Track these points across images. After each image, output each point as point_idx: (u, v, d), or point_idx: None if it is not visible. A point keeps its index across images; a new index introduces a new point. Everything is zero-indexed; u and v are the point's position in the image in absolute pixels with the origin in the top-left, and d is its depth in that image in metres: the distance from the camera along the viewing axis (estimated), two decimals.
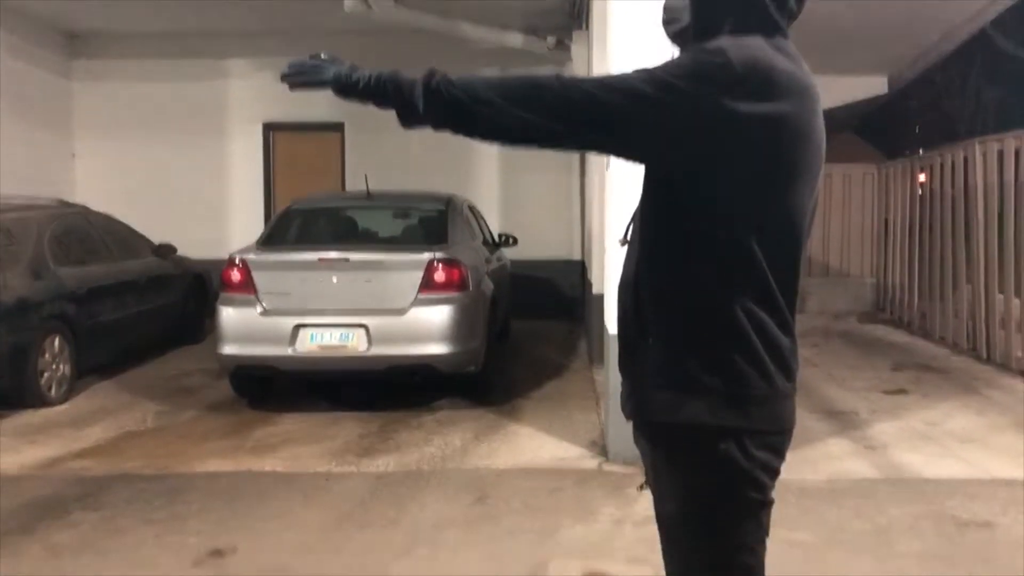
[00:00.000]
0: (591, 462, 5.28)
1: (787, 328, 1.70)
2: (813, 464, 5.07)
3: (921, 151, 10.08)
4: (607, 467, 5.15)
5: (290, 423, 6.24)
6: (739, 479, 1.63)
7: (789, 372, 1.69)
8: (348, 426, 6.13)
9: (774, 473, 1.68)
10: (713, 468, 1.63)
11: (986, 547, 4.00)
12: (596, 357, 7.44)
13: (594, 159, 7.77)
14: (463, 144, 10.96)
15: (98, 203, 8.89)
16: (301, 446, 5.71)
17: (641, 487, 1.89)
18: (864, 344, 9.31)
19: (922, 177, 10.10)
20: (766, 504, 1.67)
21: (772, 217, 1.66)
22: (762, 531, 1.67)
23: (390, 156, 10.35)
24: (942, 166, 9.33)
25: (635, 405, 1.74)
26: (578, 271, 10.46)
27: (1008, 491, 4.66)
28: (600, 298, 6.47)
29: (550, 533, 4.21)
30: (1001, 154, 7.99)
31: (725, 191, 1.62)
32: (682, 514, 1.66)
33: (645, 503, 4.38)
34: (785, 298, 1.70)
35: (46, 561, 3.96)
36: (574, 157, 10.61)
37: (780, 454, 1.69)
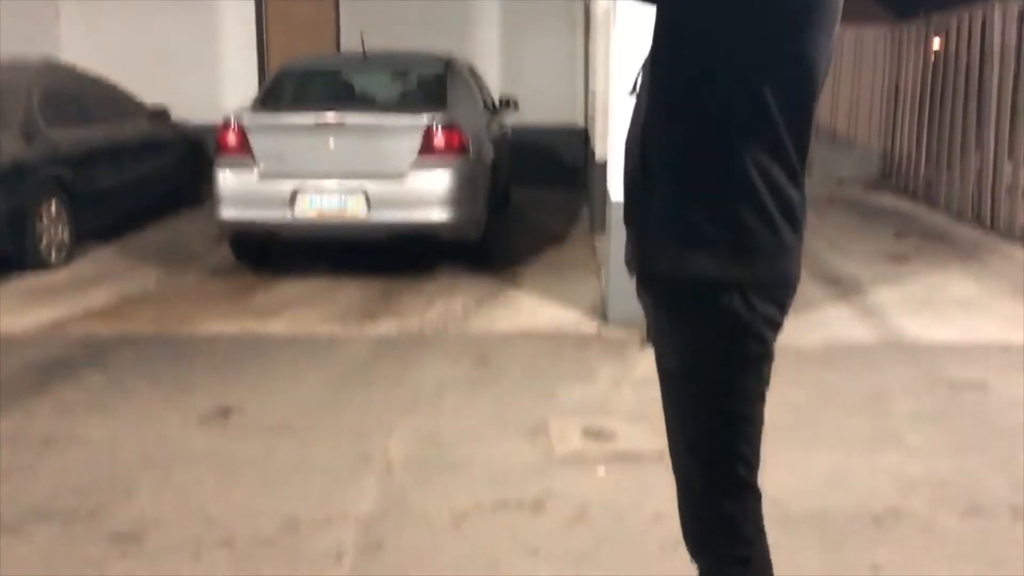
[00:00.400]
0: (591, 326, 5.32)
1: (797, 181, 1.65)
2: (812, 329, 5.11)
3: (935, 15, 9.68)
4: (606, 331, 5.19)
5: (291, 288, 6.26)
6: (741, 332, 1.62)
7: (797, 225, 1.65)
8: (349, 291, 6.15)
9: (777, 327, 1.67)
10: (716, 321, 1.61)
11: (979, 407, 4.07)
12: (597, 225, 7.39)
13: (600, 19, 7.50)
14: (461, 2, 10.58)
15: (85, 65, 8.64)
16: (303, 310, 5.75)
17: (643, 343, 1.89)
18: (868, 212, 9.26)
19: (936, 42, 9.79)
20: (767, 357, 1.67)
21: (786, 62, 1.58)
22: (762, 383, 1.67)
23: (387, 14, 9.99)
24: (959, 29, 9.03)
25: (639, 259, 1.72)
26: (581, 138, 10.27)
27: (1004, 355, 4.72)
28: (603, 165, 6.37)
29: (550, 393, 4.28)
30: (1022, 15, 7.72)
31: (740, 32, 1.55)
32: (684, 367, 1.66)
33: (643, 365, 4.46)
34: (796, 150, 1.64)
35: (57, 419, 4.05)
36: (579, 17, 10.25)
37: (784, 308, 1.67)
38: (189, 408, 4.16)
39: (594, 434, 3.78)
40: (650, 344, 1.78)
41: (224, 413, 4.11)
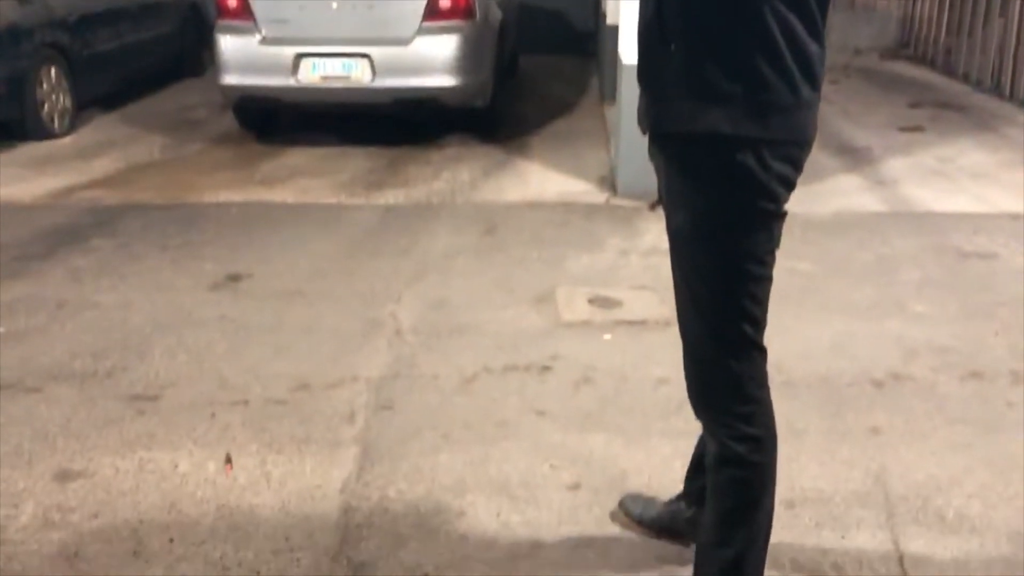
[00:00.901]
0: (599, 197, 5.28)
1: (816, 34, 1.60)
2: (821, 198, 5.06)
3: None
4: (615, 202, 5.16)
5: (298, 157, 6.20)
6: (755, 190, 1.60)
7: (815, 81, 1.60)
8: (356, 161, 6.09)
9: (790, 185, 1.65)
10: (729, 179, 1.59)
11: (986, 276, 4.08)
12: (607, 94, 7.23)
13: None
14: None
15: None
16: (310, 179, 5.71)
17: (653, 206, 1.88)
18: (884, 81, 9.02)
19: None
20: (779, 216, 1.65)
21: None
22: (773, 242, 1.67)
23: None
24: None
25: (653, 117, 1.68)
26: (591, 3, 9.93)
27: (1014, 225, 4.69)
28: (614, 28, 6.18)
29: (557, 262, 4.29)
30: None
31: None
32: (694, 225, 1.65)
33: (651, 236, 4.45)
34: (817, 2, 1.58)
35: (68, 284, 4.08)
36: None
37: (798, 166, 1.65)
38: (198, 274, 4.19)
39: (600, 302, 3.81)
40: (660, 209, 1.77)
41: (234, 279, 4.15)
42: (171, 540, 2.27)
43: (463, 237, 4.67)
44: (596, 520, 2.37)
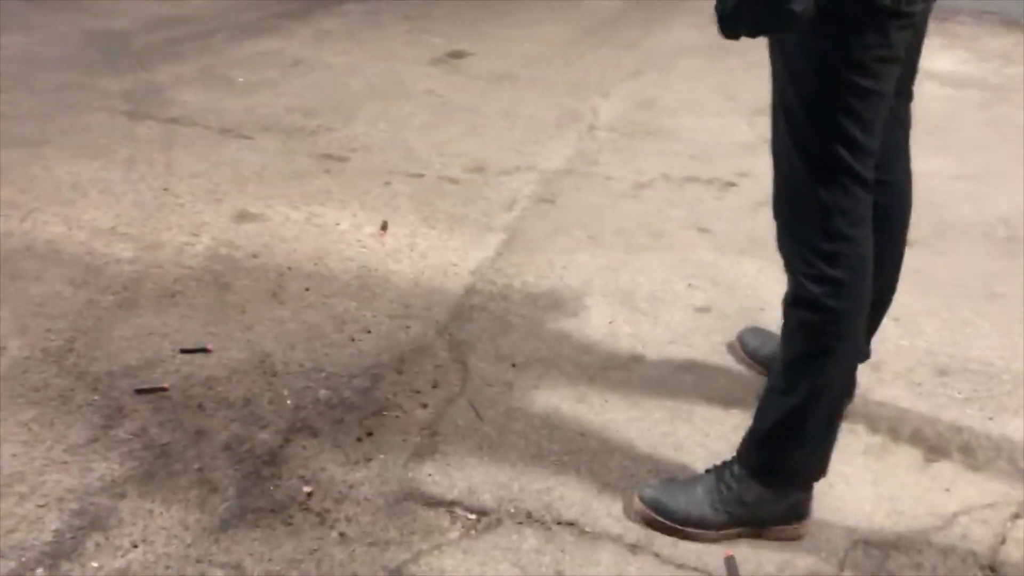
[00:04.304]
0: None
1: None
2: None
3: None
4: None
5: None
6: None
7: None
8: None
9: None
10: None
11: None
12: None
13: None
14: None
15: None
16: None
17: None
18: None
19: None
20: (899, 14, 1.31)
21: None
22: (891, 49, 1.31)
23: None
24: None
25: None
26: None
27: None
28: None
29: None
30: None
31: None
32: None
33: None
34: None
35: (310, 44, 4.32)
36: None
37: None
38: (425, 47, 4.26)
39: None
40: None
41: (455, 55, 4.18)
42: (307, 289, 2.45)
43: (698, 35, 4.33)
44: (710, 347, 2.23)
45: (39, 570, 1.59)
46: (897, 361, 2.20)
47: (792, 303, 1.53)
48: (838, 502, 1.78)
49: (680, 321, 2.34)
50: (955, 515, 1.77)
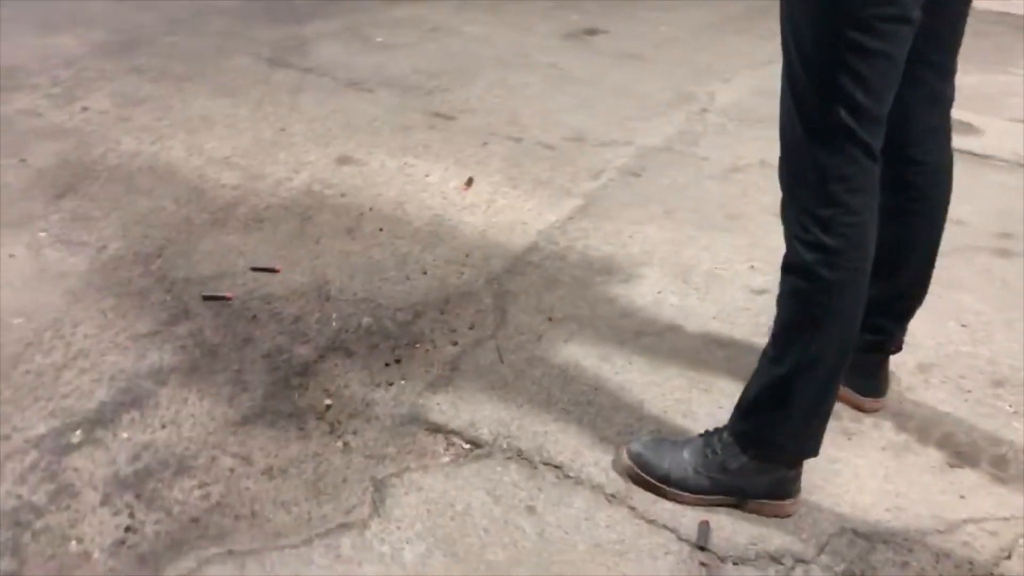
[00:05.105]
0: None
1: None
2: None
3: None
4: None
5: None
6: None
7: None
8: None
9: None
10: None
11: None
12: None
13: None
14: None
15: None
16: None
17: None
18: None
19: None
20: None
21: None
22: (898, 7, 1.27)
23: None
24: None
25: None
26: None
27: None
28: None
29: None
30: None
31: None
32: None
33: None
34: None
35: (452, 12, 4.49)
36: None
37: None
38: (562, 22, 4.32)
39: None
40: None
41: (590, 32, 4.22)
42: (381, 229, 2.58)
43: None
44: (753, 327, 2.19)
45: (78, 431, 1.80)
46: (951, 366, 2.08)
47: (785, 268, 1.51)
48: (839, 490, 1.73)
49: (731, 299, 2.31)
50: (963, 522, 1.67)
